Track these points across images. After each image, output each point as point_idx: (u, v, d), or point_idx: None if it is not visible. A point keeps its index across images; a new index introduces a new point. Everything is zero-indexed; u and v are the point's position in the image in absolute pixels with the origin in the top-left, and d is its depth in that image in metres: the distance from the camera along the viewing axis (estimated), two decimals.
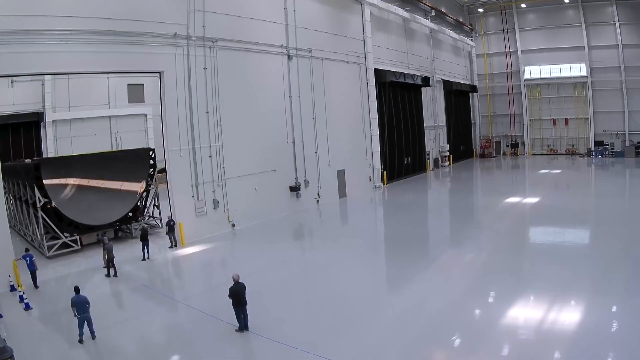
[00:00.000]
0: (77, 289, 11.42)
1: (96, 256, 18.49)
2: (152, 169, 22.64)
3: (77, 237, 19.86)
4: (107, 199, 22.13)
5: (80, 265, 18.11)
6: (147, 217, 23.23)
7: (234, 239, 21.45)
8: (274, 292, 13.95)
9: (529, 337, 10.18)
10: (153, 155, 22.73)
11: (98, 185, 22.78)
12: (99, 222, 20.73)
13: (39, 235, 19.53)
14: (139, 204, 22.62)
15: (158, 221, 23.22)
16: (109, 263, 16.35)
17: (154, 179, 22.72)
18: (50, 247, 19.04)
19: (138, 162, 22.63)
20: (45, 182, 19.18)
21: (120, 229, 22.11)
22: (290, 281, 15.33)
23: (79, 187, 22.46)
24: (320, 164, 28.41)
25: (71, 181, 22.30)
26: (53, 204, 19.18)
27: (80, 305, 11.06)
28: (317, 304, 12.97)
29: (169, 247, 19.73)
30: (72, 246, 19.58)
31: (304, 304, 12.99)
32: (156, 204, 23.24)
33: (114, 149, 25.92)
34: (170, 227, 19.69)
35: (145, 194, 22.68)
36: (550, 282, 13.18)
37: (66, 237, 19.46)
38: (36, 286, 15.52)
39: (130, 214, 22.10)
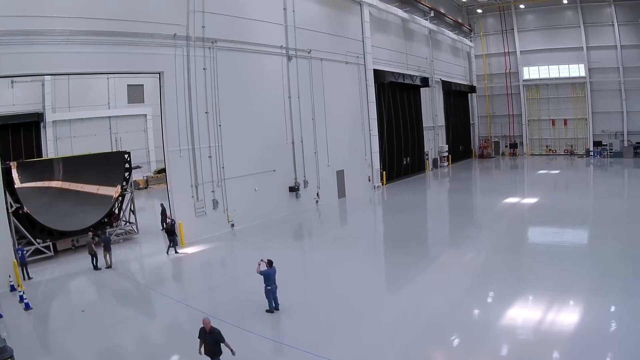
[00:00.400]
0: (270, 262, 12.17)
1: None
2: (127, 173, 22.22)
3: (50, 244, 19.22)
4: (82, 203, 21.55)
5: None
6: (124, 223, 22.51)
7: (234, 239, 21.49)
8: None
9: (528, 337, 10.22)
10: (128, 159, 22.25)
11: (76, 189, 22.03)
12: (72, 228, 20.05)
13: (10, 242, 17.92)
14: (114, 209, 22.20)
15: (134, 226, 22.63)
16: (93, 255, 17.47)
17: (129, 184, 22.36)
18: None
19: (113, 166, 22.29)
20: (20, 186, 18.69)
21: (95, 235, 20.58)
22: (290, 281, 15.33)
23: (56, 192, 21.72)
24: (320, 164, 28.46)
25: (50, 184, 21.66)
26: (25, 209, 18.36)
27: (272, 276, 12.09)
28: (317, 303, 13.00)
29: (167, 253, 18.85)
30: (45, 252, 18.88)
31: (304, 304, 13.01)
32: (132, 208, 22.51)
33: (93, 152, 24.44)
34: (170, 230, 19.17)
35: (120, 198, 22.29)
36: (549, 282, 13.24)
37: (39, 243, 18.81)
38: (29, 277, 16.59)
39: (106, 219, 21.62)
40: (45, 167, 22.17)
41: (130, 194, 22.58)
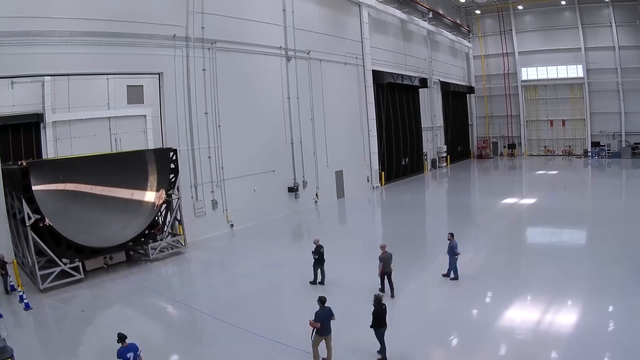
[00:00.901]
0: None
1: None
2: (172, 175, 18.87)
3: (79, 264, 15.84)
4: (118, 212, 18.01)
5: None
6: (167, 235, 18.89)
7: (233, 239, 21.55)
8: (273, 293, 14.06)
9: (526, 337, 10.27)
10: (174, 157, 19.03)
11: (109, 195, 18.10)
12: (107, 244, 16.68)
13: (30, 261, 15.32)
14: (157, 218, 18.61)
15: (181, 239, 19.18)
16: None
17: (175, 187, 18.87)
18: (44, 277, 14.91)
19: (155, 166, 18.62)
20: (36, 191, 14.92)
21: (133, 250, 18.43)
22: (290, 281, 15.45)
23: (81, 198, 17.61)
24: (319, 164, 28.54)
25: (70, 189, 17.51)
26: (47, 221, 14.94)
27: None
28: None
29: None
30: (73, 275, 15.55)
31: (303, 303, 13.05)
32: (178, 217, 19.23)
33: (130, 150, 20.13)
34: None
35: (164, 205, 18.77)
36: (547, 282, 13.31)
37: (65, 264, 15.48)
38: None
39: (147, 232, 18.14)
40: (69, 168, 17.83)
41: (177, 200, 19.06)
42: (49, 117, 34.11)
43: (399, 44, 39.07)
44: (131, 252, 18.45)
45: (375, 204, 30.79)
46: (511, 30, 51.02)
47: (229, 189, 22.58)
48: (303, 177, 27.35)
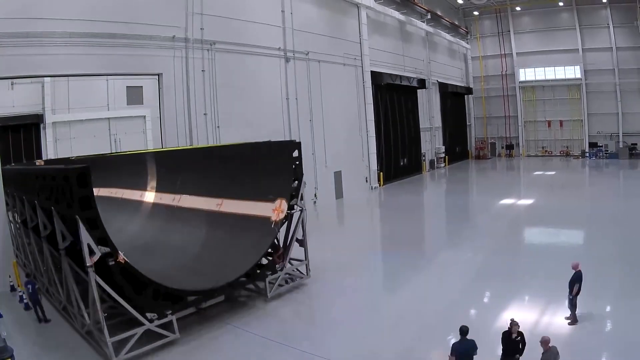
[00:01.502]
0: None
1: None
2: (295, 179, 13.27)
3: (173, 318, 10.42)
4: (221, 234, 13.07)
5: None
6: (287, 262, 13.60)
7: None
8: None
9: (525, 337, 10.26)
10: (298, 155, 13.54)
11: (199, 209, 12.98)
12: (211, 283, 11.30)
13: (87, 317, 10.18)
14: (277, 239, 13.16)
15: (302, 268, 14.03)
16: None
17: (299, 195, 13.38)
18: (119, 346, 9.60)
19: (272, 166, 13.47)
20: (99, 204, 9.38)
21: (246, 289, 13.03)
22: None
23: (163, 213, 12.78)
24: (317, 165, 28.66)
25: (146, 200, 12.41)
26: (121, 256, 9.54)
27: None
28: (315, 303, 13.12)
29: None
30: (163, 336, 10.26)
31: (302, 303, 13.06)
32: (299, 237, 13.80)
33: (235, 143, 15.94)
34: None
35: (284, 221, 13.15)
36: (545, 283, 13.28)
37: (151, 320, 10.11)
38: (45, 319, 12.31)
39: (266, 260, 12.98)
40: (143, 168, 13.33)
41: (301, 212, 13.59)
42: (48, 118, 34.27)
43: (397, 45, 39.22)
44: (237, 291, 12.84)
45: (374, 205, 30.88)
46: (509, 31, 51.18)
47: None
48: None
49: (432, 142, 45.55)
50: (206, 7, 21.62)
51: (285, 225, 13.43)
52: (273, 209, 12.97)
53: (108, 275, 9.54)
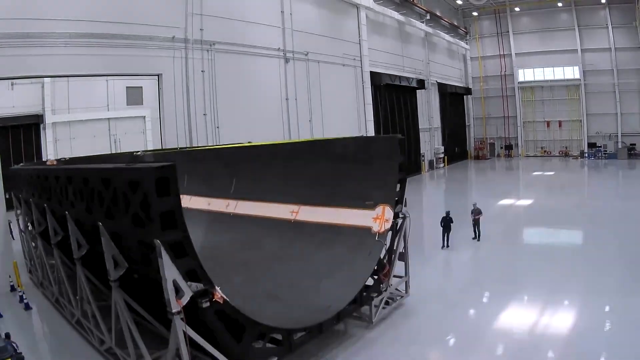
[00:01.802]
0: None
1: None
2: (400, 182, 11.05)
3: None
4: (321, 252, 11.04)
5: None
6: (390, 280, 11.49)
7: None
8: None
9: (523, 337, 10.21)
10: (402, 154, 11.15)
11: (293, 220, 11.16)
12: (318, 316, 9.09)
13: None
14: (383, 255, 11.07)
15: (403, 286, 12.10)
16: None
17: (403, 201, 11.33)
18: None
19: (374, 166, 11.28)
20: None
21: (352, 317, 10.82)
22: None
23: (255, 228, 10.93)
24: None
25: (235, 212, 10.54)
26: (219, 293, 7.00)
27: None
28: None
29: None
30: None
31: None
32: (402, 249, 11.73)
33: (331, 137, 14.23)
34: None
35: (389, 232, 11.02)
36: (544, 282, 13.26)
37: None
38: None
39: (373, 279, 10.92)
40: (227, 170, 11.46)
41: (403, 219, 11.45)
42: (48, 119, 34.41)
43: (396, 46, 39.28)
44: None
45: None
46: (508, 31, 51.27)
47: None
48: None
49: (431, 143, 45.59)
50: (206, 8, 21.68)
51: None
52: (374, 217, 10.84)
53: (191, 319, 6.80)
